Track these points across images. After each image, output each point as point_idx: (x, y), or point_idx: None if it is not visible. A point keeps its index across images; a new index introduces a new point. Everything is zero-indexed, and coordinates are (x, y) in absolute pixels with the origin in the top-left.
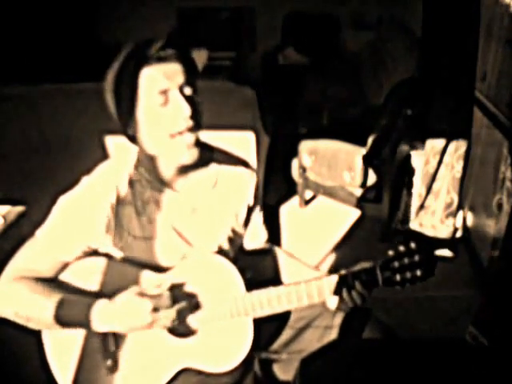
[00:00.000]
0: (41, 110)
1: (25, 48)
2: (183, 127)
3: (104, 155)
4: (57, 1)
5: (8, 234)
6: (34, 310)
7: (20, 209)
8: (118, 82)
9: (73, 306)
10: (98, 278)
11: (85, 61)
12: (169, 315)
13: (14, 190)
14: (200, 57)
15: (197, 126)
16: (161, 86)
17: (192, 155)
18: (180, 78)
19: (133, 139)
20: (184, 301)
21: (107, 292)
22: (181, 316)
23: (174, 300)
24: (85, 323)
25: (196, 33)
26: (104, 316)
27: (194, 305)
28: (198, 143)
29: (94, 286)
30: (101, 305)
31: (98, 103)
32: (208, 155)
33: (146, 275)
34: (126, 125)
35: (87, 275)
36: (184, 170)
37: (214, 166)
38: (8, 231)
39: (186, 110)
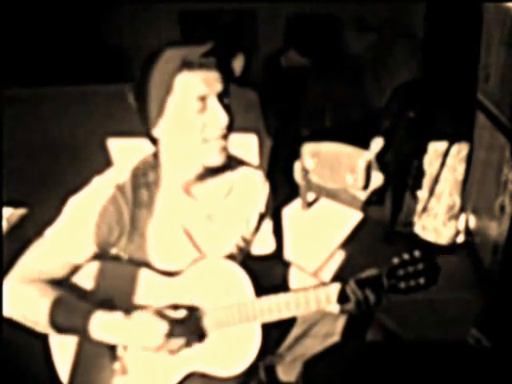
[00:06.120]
0: (44, 113)
1: (29, 51)
2: (218, 134)
3: (107, 158)
4: (60, 4)
5: (11, 236)
6: (37, 313)
7: (22, 211)
8: (152, 83)
9: (69, 309)
10: (101, 280)
11: (88, 63)
12: (178, 342)
13: (17, 191)
14: (238, 62)
15: (230, 132)
16: (199, 92)
17: (221, 158)
18: (219, 86)
19: (154, 140)
20: (194, 331)
21: (107, 295)
22: (188, 344)
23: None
24: (81, 330)
25: (198, 36)
26: (110, 328)
27: (202, 333)
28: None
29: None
30: (108, 316)
31: (101, 106)
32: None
33: (145, 274)
34: (151, 126)
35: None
36: (203, 175)
37: (229, 174)
38: (11, 233)
39: (224, 119)
